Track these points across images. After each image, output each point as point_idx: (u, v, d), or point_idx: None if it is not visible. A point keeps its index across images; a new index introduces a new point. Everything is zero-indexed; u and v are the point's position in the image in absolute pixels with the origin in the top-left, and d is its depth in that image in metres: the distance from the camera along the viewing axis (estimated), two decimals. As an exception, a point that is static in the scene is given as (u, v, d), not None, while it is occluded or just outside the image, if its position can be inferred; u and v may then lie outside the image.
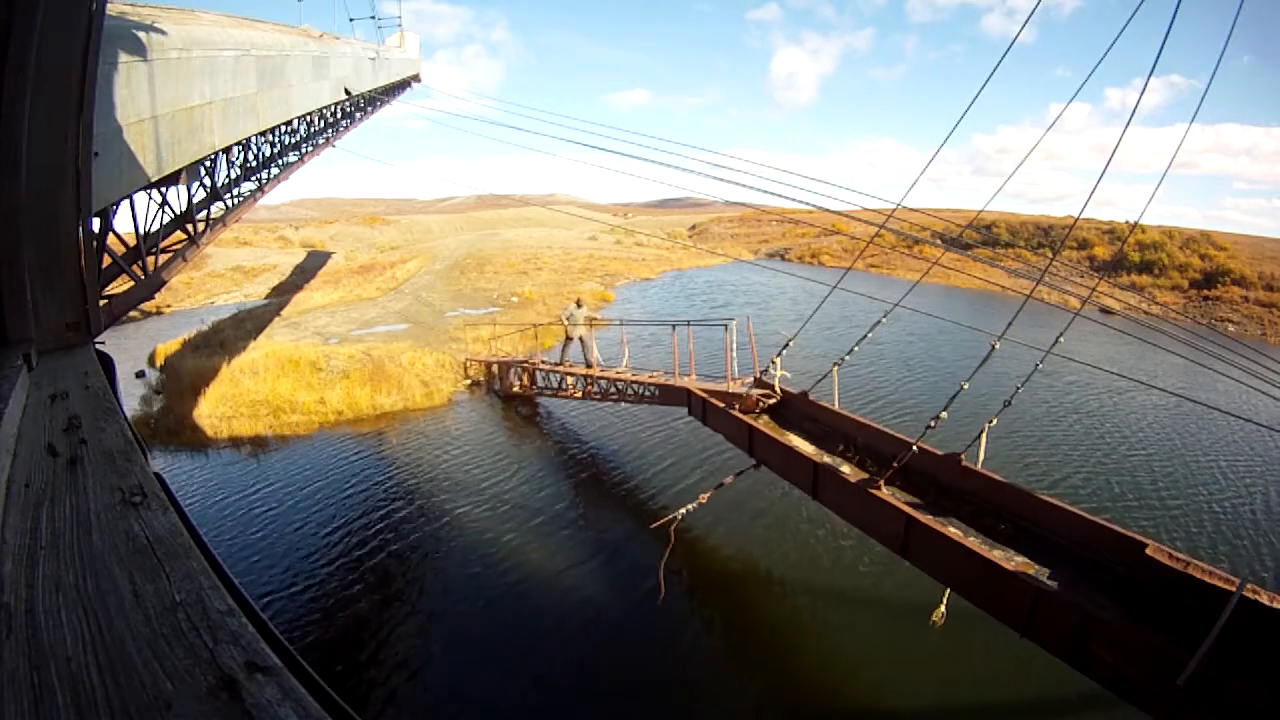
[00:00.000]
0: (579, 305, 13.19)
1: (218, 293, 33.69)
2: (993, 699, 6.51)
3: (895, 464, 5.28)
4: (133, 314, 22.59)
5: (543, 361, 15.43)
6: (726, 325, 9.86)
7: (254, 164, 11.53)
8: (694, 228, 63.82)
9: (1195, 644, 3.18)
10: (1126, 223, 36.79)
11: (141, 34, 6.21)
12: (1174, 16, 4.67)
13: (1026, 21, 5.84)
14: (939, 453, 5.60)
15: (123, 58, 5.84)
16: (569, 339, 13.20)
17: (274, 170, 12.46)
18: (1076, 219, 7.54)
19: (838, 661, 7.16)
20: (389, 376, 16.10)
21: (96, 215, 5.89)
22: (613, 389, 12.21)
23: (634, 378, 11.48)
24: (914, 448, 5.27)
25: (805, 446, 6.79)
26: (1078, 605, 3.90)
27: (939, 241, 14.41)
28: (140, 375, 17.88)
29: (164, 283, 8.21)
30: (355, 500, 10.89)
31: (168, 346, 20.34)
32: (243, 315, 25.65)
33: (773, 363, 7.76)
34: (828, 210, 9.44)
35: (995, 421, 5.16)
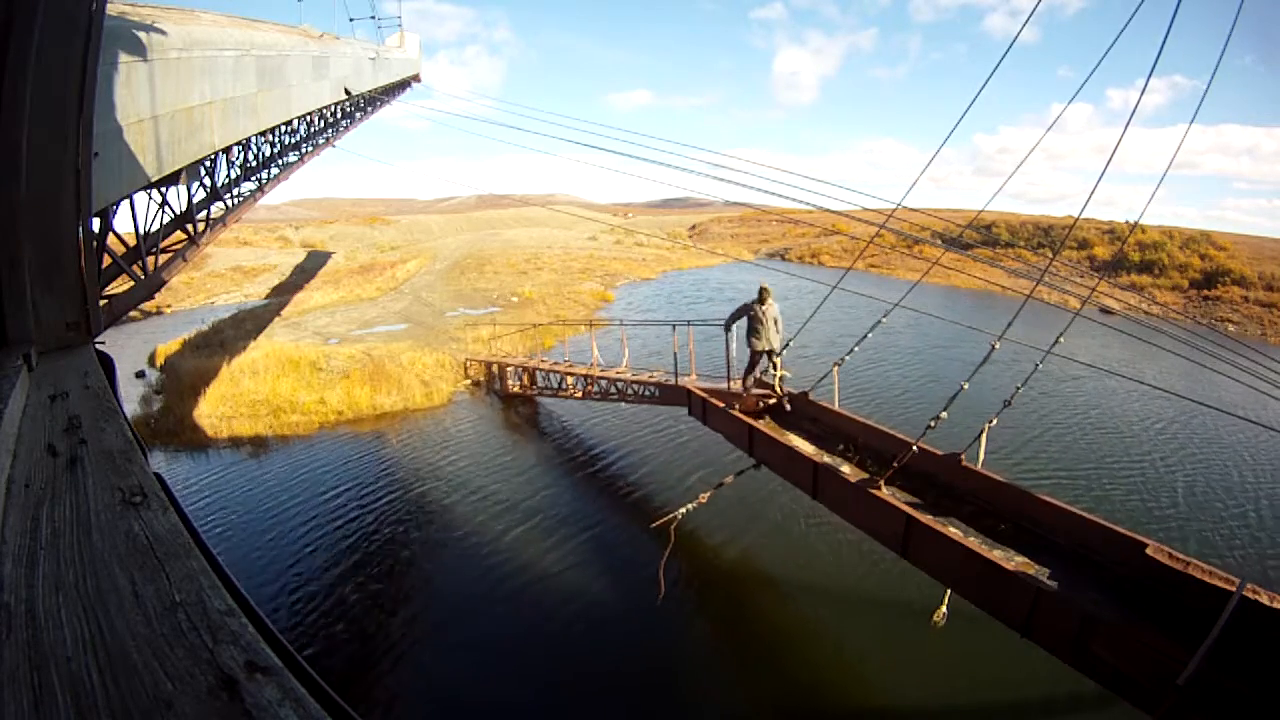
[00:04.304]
0: (762, 300, 7.87)
1: (218, 293, 33.68)
2: (993, 699, 6.51)
3: (895, 464, 5.29)
4: (133, 314, 22.60)
5: (542, 361, 15.44)
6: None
7: (254, 164, 11.53)
8: (694, 228, 63.80)
9: (1195, 644, 3.18)
10: (1127, 223, 36.76)
11: (141, 34, 6.21)
12: (1174, 17, 4.68)
13: (1026, 21, 5.85)
14: (939, 453, 5.61)
15: (123, 58, 5.84)
16: (755, 353, 8.08)
17: (274, 170, 12.46)
18: (1076, 219, 7.56)
19: (838, 661, 7.16)
20: (389, 376, 16.10)
21: (96, 215, 5.89)
22: (613, 389, 12.21)
23: (634, 378, 11.48)
24: (914, 448, 5.28)
25: (805, 446, 6.80)
26: (1078, 605, 3.90)
27: (939, 241, 14.42)
28: (140, 375, 17.89)
29: (164, 283, 8.21)
30: (355, 500, 10.89)
31: (168, 346, 20.34)
32: (243, 315, 25.65)
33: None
34: (828, 210, 9.46)
35: (995, 421, 5.17)
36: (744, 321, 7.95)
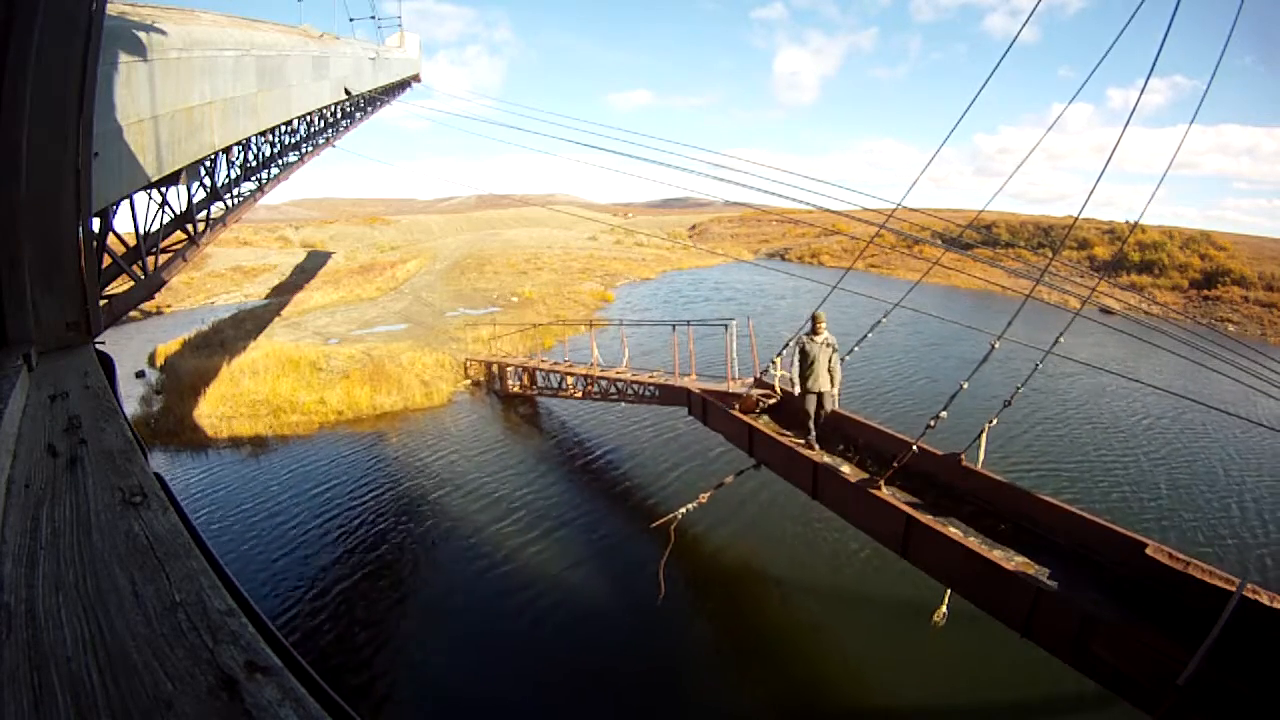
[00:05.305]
0: (814, 330, 6.63)
1: (218, 293, 33.69)
2: (993, 699, 6.51)
3: (895, 464, 5.29)
4: (133, 314, 22.59)
5: (542, 361, 15.44)
6: (726, 325, 9.86)
7: (254, 164, 11.53)
8: (694, 228, 63.80)
9: (1195, 644, 3.18)
10: (1127, 223, 36.77)
11: (141, 34, 6.21)
12: (1173, 17, 4.68)
13: (1026, 21, 5.85)
14: (939, 453, 5.61)
15: (123, 58, 5.84)
16: (807, 394, 6.63)
17: (274, 170, 12.45)
18: (1076, 219, 7.57)
19: (838, 661, 7.16)
20: (389, 376, 16.10)
21: (96, 215, 5.89)
22: (613, 389, 12.21)
23: (634, 378, 11.47)
24: (914, 448, 5.27)
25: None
26: (1078, 605, 3.90)
27: (939, 241, 14.42)
28: (140, 375, 17.89)
29: (164, 283, 8.21)
30: (355, 500, 10.89)
31: (168, 346, 20.34)
32: (243, 315, 25.65)
33: (773, 363, 7.76)
34: (828, 210, 9.46)
35: (995, 421, 5.17)
36: (815, 348, 6.54)
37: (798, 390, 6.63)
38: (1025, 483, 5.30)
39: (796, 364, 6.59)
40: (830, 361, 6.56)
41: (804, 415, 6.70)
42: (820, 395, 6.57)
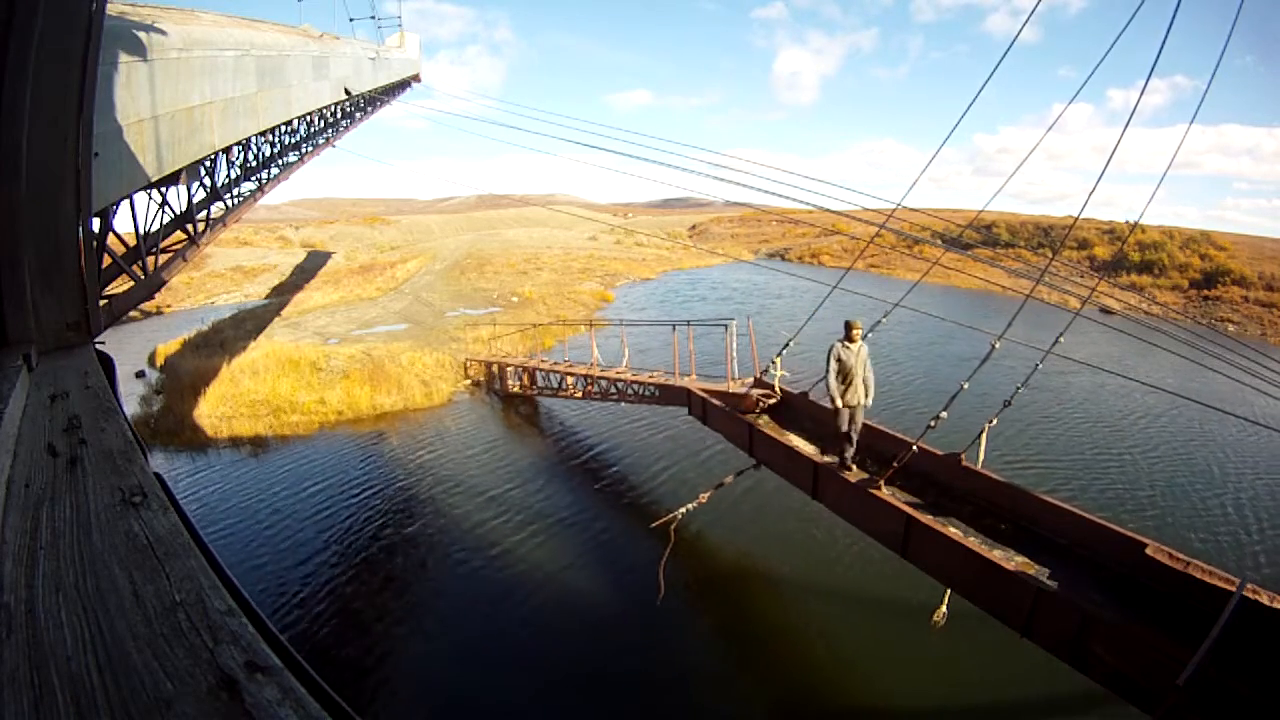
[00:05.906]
0: (850, 339, 6.00)
1: (218, 293, 33.70)
2: (993, 699, 6.51)
3: (895, 464, 5.29)
4: (133, 314, 22.58)
5: (542, 361, 15.44)
6: (726, 325, 9.86)
7: (254, 164, 11.52)
8: (694, 228, 63.80)
9: (1195, 644, 3.18)
10: (1127, 223, 36.75)
11: (141, 34, 6.21)
12: (1174, 17, 4.68)
13: (1026, 21, 5.86)
14: (939, 453, 5.61)
15: (123, 58, 5.84)
16: (845, 409, 5.94)
17: (274, 170, 12.45)
18: (1076, 219, 7.58)
19: (838, 661, 7.16)
20: (389, 376, 16.10)
21: (96, 215, 5.89)
22: (613, 389, 12.21)
23: (634, 378, 11.47)
24: (914, 448, 5.28)
25: (805, 446, 6.80)
26: (1078, 605, 3.90)
27: (939, 241, 14.42)
28: (140, 375, 17.89)
29: (164, 283, 8.20)
30: (354, 500, 10.89)
31: (168, 346, 20.35)
32: (243, 315, 25.65)
33: (773, 363, 7.77)
34: (828, 210, 9.47)
35: (995, 421, 5.18)
36: (850, 356, 5.92)
37: (834, 405, 5.90)
38: (1024, 482, 5.30)
39: (834, 376, 5.87)
40: (865, 370, 5.96)
41: (838, 432, 6.00)
42: (854, 410, 5.92)
